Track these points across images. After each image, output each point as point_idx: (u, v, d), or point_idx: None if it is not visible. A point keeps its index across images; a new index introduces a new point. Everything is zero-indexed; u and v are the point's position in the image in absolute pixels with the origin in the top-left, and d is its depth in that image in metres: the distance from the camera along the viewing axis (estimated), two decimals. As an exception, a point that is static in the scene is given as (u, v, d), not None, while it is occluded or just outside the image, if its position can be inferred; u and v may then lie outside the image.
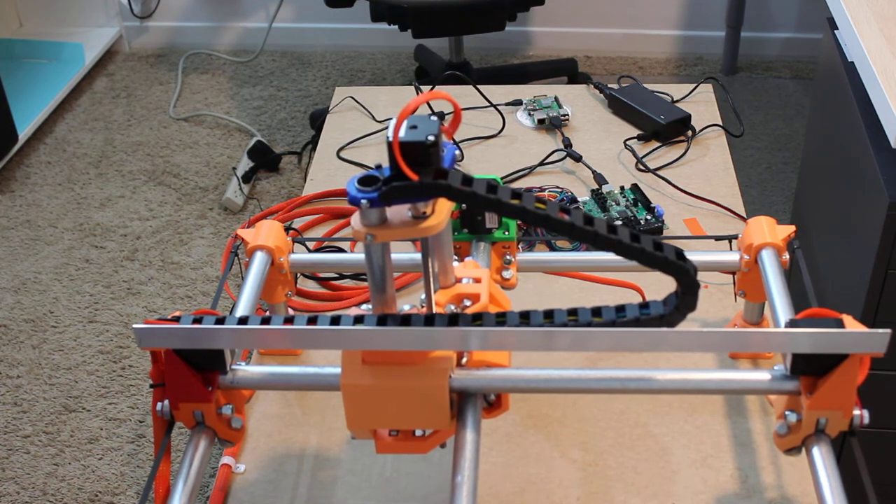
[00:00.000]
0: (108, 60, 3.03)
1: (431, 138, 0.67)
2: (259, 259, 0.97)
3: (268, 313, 1.05)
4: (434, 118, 0.69)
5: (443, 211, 0.71)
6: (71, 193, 2.46)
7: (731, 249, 1.01)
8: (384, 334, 0.71)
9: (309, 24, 3.02)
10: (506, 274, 0.97)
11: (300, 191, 2.23)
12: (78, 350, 2.01)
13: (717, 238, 1.04)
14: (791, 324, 0.74)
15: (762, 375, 0.76)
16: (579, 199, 1.24)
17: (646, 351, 0.70)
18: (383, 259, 0.73)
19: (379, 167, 0.69)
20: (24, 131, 2.58)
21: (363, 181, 0.68)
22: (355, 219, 0.70)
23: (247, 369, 0.80)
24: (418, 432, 0.77)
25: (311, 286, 1.15)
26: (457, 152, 0.69)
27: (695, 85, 1.47)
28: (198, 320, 0.75)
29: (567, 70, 2.71)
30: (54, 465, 1.78)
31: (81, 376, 1.95)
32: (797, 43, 2.86)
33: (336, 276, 1.16)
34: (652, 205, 1.22)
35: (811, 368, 0.74)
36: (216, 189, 2.45)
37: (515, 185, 1.29)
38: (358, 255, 1.15)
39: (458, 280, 0.81)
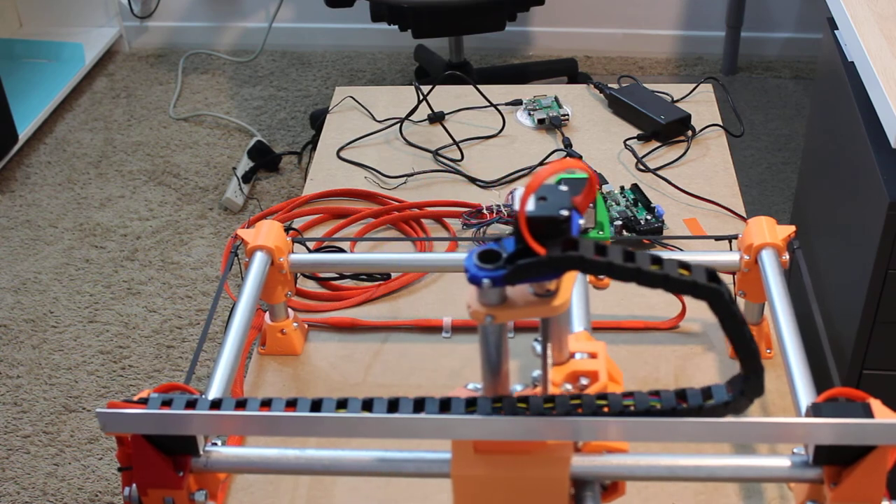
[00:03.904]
0: (108, 60, 3.03)
1: (564, 213, 0.61)
2: (259, 259, 0.97)
3: (267, 315, 1.05)
4: (564, 188, 0.63)
5: (569, 287, 0.65)
6: (71, 193, 2.46)
7: (731, 249, 1.01)
8: (490, 423, 0.66)
9: (309, 24, 3.02)
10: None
11: (300, 191, 2.23)
12: (78, 350, 2.01)
13: (717, 238, 1.04)
14: (814, 409, 0.69)
15: (781, 462, 0.71)
16: (579, 199, 1.24)
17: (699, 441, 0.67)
18: (501, 340, 0.67)
19: (498, 240, 0.63)
20: (24, 131, 2.58)
21: (484, 256, 0.61)
22: (472, 297, 0.63)
23: (222, 451, 0.75)
24: None
25: (311, 286, 1.15)
26: (581, 222, 0.65)
27: (695, 85, 1.46)
28: (167, 402, 0.70)
29: (567, 70, 2.71)
30: (54, 465, 1.78)
31: (81, 376, 1.95)
32: (797, 43, 2.86)
33: (336, 276, 1.16)
34: (652, 205, 1.21)
35: (835, 458, 0.69)
36: (216, 189, 2.45)
37: (515, 185, 1.29)
38: (358, 256, 1.15)
39: (572, 355, 0.75)
